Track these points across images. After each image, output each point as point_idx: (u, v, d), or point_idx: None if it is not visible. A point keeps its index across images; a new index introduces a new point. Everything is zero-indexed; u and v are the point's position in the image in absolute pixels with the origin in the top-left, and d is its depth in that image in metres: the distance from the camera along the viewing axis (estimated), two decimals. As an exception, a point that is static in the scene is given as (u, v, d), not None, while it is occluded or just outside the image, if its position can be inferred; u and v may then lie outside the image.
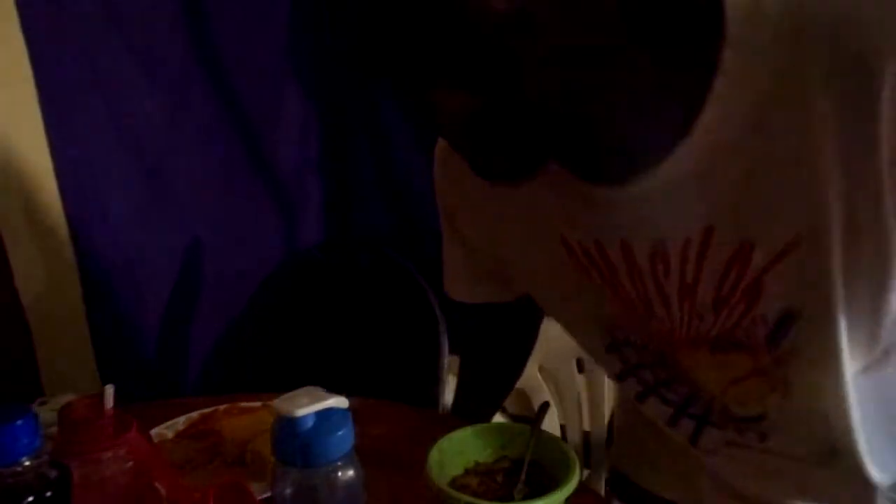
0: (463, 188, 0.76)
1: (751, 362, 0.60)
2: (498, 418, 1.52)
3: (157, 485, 0.63)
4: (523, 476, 0.71)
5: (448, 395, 1.48)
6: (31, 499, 0.50)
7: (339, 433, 0.56)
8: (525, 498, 0.68)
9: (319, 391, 0.57)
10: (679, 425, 0.71)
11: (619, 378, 0.74)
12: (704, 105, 0.52)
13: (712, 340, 0.61)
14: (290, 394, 0.57)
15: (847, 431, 0.60)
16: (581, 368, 1.22)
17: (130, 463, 0.61)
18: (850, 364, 0.57)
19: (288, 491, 0.57)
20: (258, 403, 0.93)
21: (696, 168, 0.54)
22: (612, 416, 1.23)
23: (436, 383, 1.50)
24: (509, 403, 1.57)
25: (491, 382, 0.99)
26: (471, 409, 0.98)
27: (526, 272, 0.75)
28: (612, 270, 0.63)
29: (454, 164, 0.75)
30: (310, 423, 0.55)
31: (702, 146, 0.53)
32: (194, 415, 0.93)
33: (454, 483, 0.71)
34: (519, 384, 1.20)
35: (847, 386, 0.58)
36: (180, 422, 0.92)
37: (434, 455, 0.70)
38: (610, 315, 0.67)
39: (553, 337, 1.21)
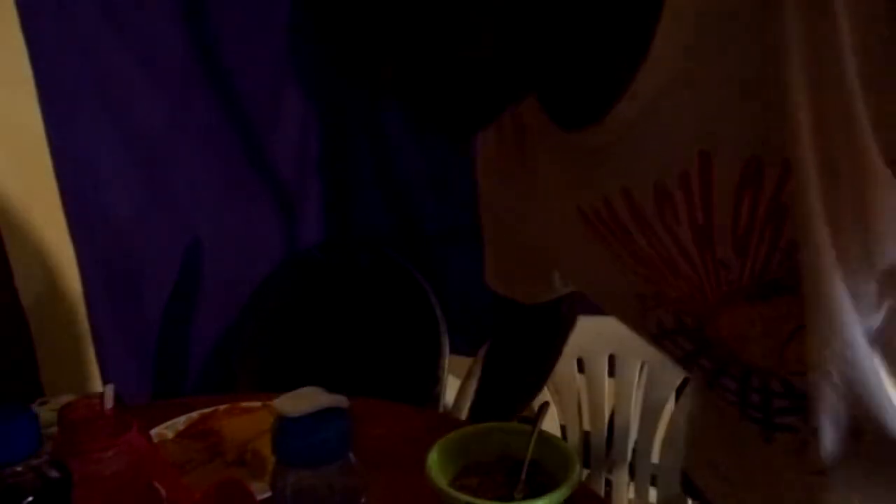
0: (496, 168, 0.73)
1: (797, 305, 0.52)
2: (498, 418, 1.53)
3: (157, 485, 0.63)
4: (523, 476, 0.71)
5: (448, 395, 1.49)
6: (30, 499, 0.50)
7: (340, 433, 0.56)
8: (525, 498, 0.68)
9: (319, 391, 0.57)
10: (747, 416, 0.64)
11: (683, 367, 0.68)
12: (662, 11, 0.48)
13: (746, 290, 0.54)
14: (291, 394, 0.57)
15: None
16: (581, 368, 1.23)
17: (130, 463, 0.61)
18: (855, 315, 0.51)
19: (288, 491, 0.57)
20: (258, 403, 0.93)
21: (668, 85, 0.50)
22: (612, 417, 1.24)
23: (436, 383, 1.50)
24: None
25: (513, 389, 0.96)
26: (487, 416, 0.94)
27: (557, 255, 0.71)
28: (624, 230, 0.58)
29: (489, 145, 0.72)
30: (310, 423, 0.55)
31: (667, 58, 0.49)
32: (194, 415, 0.93)
33: (454, 483, 0.71)
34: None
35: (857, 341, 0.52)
36: (180, 422, 0.92)
37: (434, 455, 0.70)
38: (641, 292, 0.62)
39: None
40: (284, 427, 0.55)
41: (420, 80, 0.48)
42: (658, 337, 0.65)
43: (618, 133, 0.53)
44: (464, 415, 1.17)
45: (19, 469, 0.50)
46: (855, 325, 0.52)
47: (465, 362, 1.36)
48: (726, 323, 0.58)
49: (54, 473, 0.52)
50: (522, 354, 0.94)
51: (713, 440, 0.76)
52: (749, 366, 0.59)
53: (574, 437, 1.26)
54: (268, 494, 0.58)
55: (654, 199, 0.54)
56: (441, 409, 1.48)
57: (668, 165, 0.52)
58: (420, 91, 0.50)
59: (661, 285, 0.60)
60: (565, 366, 1.21)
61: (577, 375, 1.24)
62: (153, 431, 0.88)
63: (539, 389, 1.00)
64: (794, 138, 0.46)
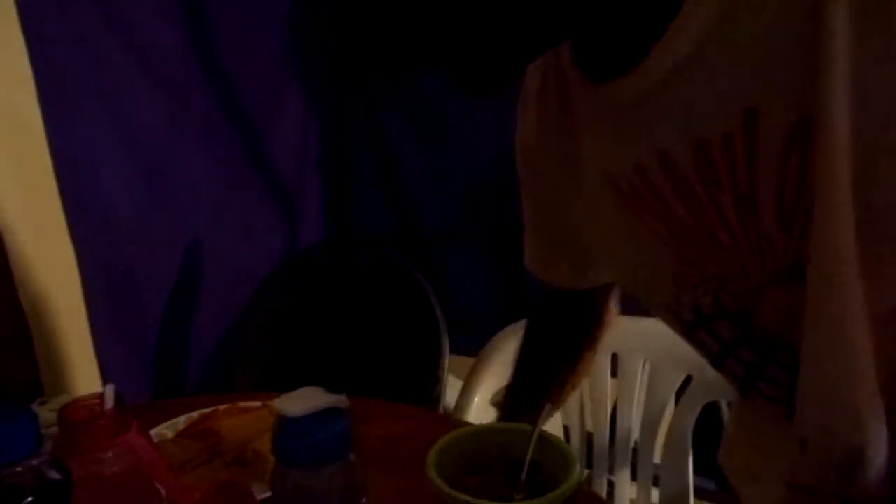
0: (538, 144, 0.70)
1: None
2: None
3: (157, 485, 0.63)
4: (524, 476, 0.71)
5: (448, 395, 1.48)
6: (30, 499, 0.50)
7: (340, 433, 0.56)
8: (525, 498, 0.68)
9: (320, 391, 0.57)
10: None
11: (715, 364, 0.62)
12: None
13: (792, 269, 0.49)
14: (291, 394, 0.57)
15: None
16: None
17: (130, 463, 0.61)
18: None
19: (287, 491, 0.57)
20: (258, 403, 0.93)
21: (709, 31, 0.46)
22: (613, 417, 1.23)
23: (436, 383, 1.50)
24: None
25: (544, 379, 0.92)
26: (518, 407, 0.90)
27: (592, 236, 0.67)
28: (660, 199, 0.53)
29: (529, 123, 0.69)
30: (310, 424, 0.55)
31: (708, 1, 0.45)
32: (194, 415, 0.92)
33: (454, 483, 0.71)
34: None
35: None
36: (180, 422, 0.91)
37: (434, 455, 0.70)
38: (679, 271, 0.57)
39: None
40: (285, 427, 0.55)
41: (448, 23, 0.46)
42: (694, 325, 0.59)
43: (653, 85, 0.49)
44: (465, 415, 1.16)
45: (19, 469, 0.50)
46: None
47: (465, 362, 1.35)
48: (771, 306, 0.53)
49: (54, 474, 0.52)
50: (555, 342, 0.91)
51: (750, 448, 0.68)
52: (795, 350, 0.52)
53: (576, 438, 1.25)
54: (268, 494, 0.58)
55: (694, 162, 0.50)
56: (441, 409, 1.48)
57: (710, 125, 0.48)
58: (448, 37, 0.47)
59: (699, 262, 0.55)
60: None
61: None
62: (153, 431, 0.88)
63: (572, 387, 0.95)
64: (828, 90, 0.42)
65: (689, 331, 0.60)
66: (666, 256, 0.56)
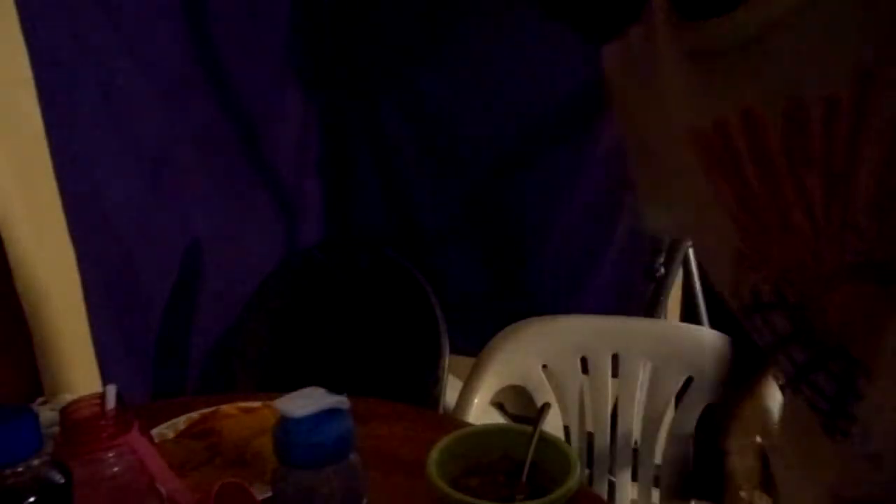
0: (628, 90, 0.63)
1: None
2: (498, 418, 1.53)
3: (157, 485, 0.63)
4: (524, 477, 0.71)
5: (448, 395, 1.48)
6: (32, 499, 0.50)
7: (341, 434, 0.56)
8: (526, 499, 0.68)
9: (321, 392, 0.57)
10: (837, 430, 0.51)
11: (769, 353, 0.56)
12: None
13: (877, 267, 0.43)
14: (292, 394, 0.57)
15: None
16: (585, 369, 1.22)
17: (131, 463, 0.61)
18: None
19: (288, 491, 0.57)
20: (258, 403, 0.93)
21: None
22: (613, 417, 1.23)
23: (436, 383, 1.50)
24: (510, 403, 1.57)
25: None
26: None
27: (673, 187, 0.61)
28: (736, 165, 0.48)
29: (615, 76, 0.63)
30: (311, 424, 0.55)
31: None
32: (194, 415, 0.92)
33: (455, 483, 0.71)
34: (521, 382, 1.21)
35: None
36: (181, 421, 0.91)
37: (435, 455, 0.70)
38: (740, 248, 0.51)
39: (557, 335, 1.22)
40: (286, 428, 0.55)
41: None
42: (750, 309, 0.53)
43: (752, 30, 0.43)
44: (465, 415, 1.16)
45: (20, 469, 0.50)
46: None
47: (465, 362, 1.35)
48: (839, 303, 0.46)
49: (55, 474, 0.52)
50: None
51: (793, 450, 0.62)
52: (860, 364, 0.46)
53: (577, 438, 1.26)
54: (268, 494, 0.58)
55: (783, 128, 0.44)
56: (441, 409, 1.48)
57: (811, 86, 0.41)
58: None
59: (764, 242, 0.49)
60: (569, 365, 1.21)
61: (581, 376, 1.24)
62: (154, 431, 0.88)
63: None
64: None
65: (745, 313, 0.54)
66: (731, 231, 0.51)
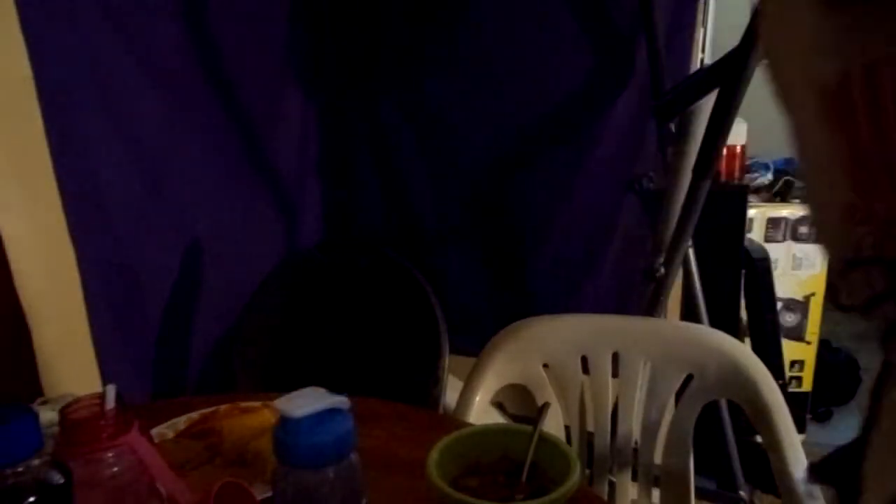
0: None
1: None
2: (498, 418, 1.53)
3: (157, 485, 0.63)
4: (524, 477, 0.71)
5: (448, 395, 1.48)
6: (32, 499, 0.50)
7: (341, 434, 0.56)
8: (525, 499, 0.68)
9: (321, 392, 0.57)
10: None
11: (862, 313, 0.51)
12: None
13: None
14: (292, 394, 0.57)
15: None
16: (586, 369, 1.22)
17: (131, 463, 0.61)
18: None
19: (288, 491, 0.57)
20: (258, 403, 0.93)
21: None
22: (613, 417, 1.23)
23: (436, 383, 1.50)
24: (510, 403, 1.57)
25: None
26: None
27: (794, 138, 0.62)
28: (849, 115, 0.45)
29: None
30: (311, 424, 0.55)
31: None
32: (194, 415, 0.92)
33: (455, 483, 0.71)
34: (522, 381, 1.21)
35: None
36: (181, 421, 0.91)
37: (434, 455, 0.70)
38: (849, 201, 0.49)
39: (557, 335, 1.22)
40: (286, 428, 0.55)
41: None
42: (850, 264, 0.50)
43: None
44: (465, 415, 1.16)
45: (20, 469, 0.50)
46: None
47: (465, 362, 1.35)
48: None
49: (55, 474, 0.52)
50: None
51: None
52: None
53: (577, 438, 1.26)
54: (268, 494, 0.58)
55: None
56: (441, 410, 1.48)
57: None
58: None
59: (874, 198, 0.47)
60: (570, 365, 1.21)
61: (582, 375, 1.24)
62: (154, 431, 0.88)
63: None
64: None
65: (844, 268, 0.51)
66: (839, 183, 0.48)
